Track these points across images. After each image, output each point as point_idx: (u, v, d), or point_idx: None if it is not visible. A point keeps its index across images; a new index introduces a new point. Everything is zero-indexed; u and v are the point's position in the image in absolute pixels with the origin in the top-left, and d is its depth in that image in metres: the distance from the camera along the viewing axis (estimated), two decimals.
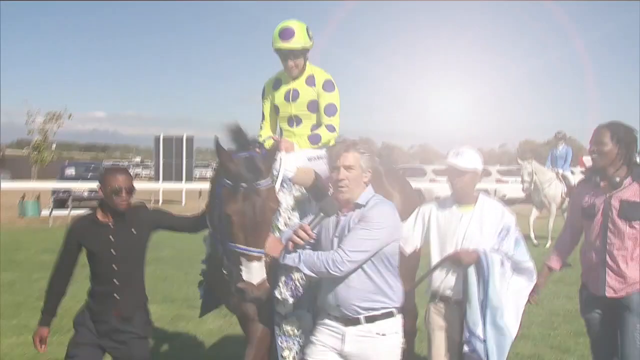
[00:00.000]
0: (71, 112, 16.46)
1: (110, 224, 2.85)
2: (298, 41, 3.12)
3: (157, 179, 20.01)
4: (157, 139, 20.07)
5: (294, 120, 3.33)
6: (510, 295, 2.75)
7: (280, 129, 3.43)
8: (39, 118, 15.57)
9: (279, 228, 2.85)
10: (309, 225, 2.46)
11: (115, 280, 2.83)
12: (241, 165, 2.40)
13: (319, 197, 2.88)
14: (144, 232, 2.91)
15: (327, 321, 2.54)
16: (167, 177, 19.20)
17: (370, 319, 2.43)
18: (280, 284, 2.78)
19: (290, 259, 2.44)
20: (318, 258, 2.39)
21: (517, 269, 2.78)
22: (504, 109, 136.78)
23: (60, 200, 15.48)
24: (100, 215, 2.87)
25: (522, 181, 10.95)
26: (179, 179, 19.13)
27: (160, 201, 17.95)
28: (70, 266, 2.89)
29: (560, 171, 10.77)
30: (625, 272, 2.77)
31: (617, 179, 2.80)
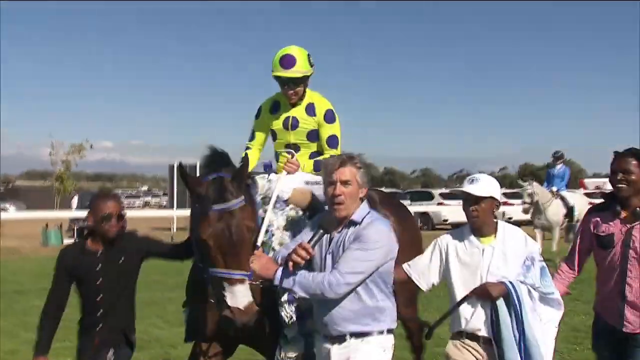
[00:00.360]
0: (91, 143, 16.96)
1: (98, 252, 2.73)
2: (299, 69, 3.00)
3: (171, 206, 20.12)
4: (172, 168, 20.06)
5: (292, 147, 3.21)
6: (543, 326, 2.59)
7: (276, 154, 3.32)
8: (61, 150, 16.12)
9: (273, 248, 2.77)
10: (309, 243, 2.33)
11: (101, 309, 2.73)
12: (209, 188, 2.31)
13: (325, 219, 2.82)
14: (133, 260, 2.80)
15: (316, 344, 2.48)
16: (181, 205, 19.10)
17: (356, 336, 2.33)
18: (285, 305, 2.68)
19: (286, 282, 2.28)
20: (313, 280, 2.26)
21: (544, 299, 2.63)
22: (504, 132, 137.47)
23: (82, 229, 15.80)
24: (89, 244, 2.76)
25: (523, 202, 11.02)
26: None
27: (175, 228, 18.25)
28: (62, 297, 2.76)
29: (555, 189, 10.85)
30: None
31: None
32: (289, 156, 3.13)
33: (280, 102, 3.22)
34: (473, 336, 2.63)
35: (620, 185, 2.72)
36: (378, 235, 2.31)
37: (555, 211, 10.66)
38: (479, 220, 2.64)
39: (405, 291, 3.27)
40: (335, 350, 2.36)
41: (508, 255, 2.61)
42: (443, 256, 2.72)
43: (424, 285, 2.74)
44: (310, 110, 3.15)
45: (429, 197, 22.51)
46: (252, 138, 3.36)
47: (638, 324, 2.66)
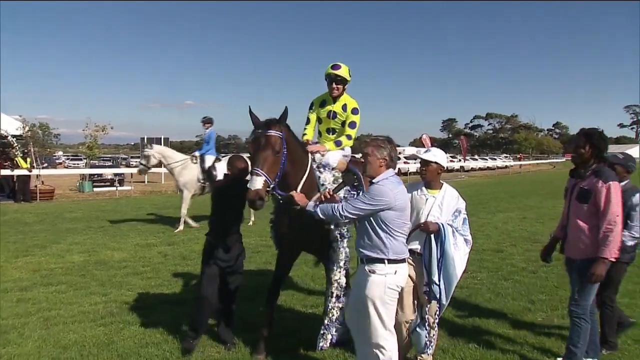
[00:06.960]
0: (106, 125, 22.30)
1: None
2: (342, 72, 4.27)
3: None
4: (143, 139, 27.01)
5: (331, 130, 4.48)
6: (458, 254, 3.29)
7: (319, 132, 4.55)
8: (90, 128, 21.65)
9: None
10: (332, 190, 3.35)
11: (233, 219, 4.20)
12: (259, 123, 3.44)
13: (347, 176, 3.93)
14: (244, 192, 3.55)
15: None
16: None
17: (367, 261, 3.05)
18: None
19: (311, 207, 3.14)
20: (329, 207, 3.06)
21: (464, 240, 3.36)
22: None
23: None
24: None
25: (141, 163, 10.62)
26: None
27: (146, 181, 25.71)
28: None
29: (197, 154, 10.62)
30: None
31: None
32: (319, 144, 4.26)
33: (326, 100, 4.44)
34: (412, 251, 3.32)
35: None
36: (379, 191, 2.97)
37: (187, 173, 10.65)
38: (427, 178, 3.39)
39: None
40: (360, 268, 3.12)
41: (444, 205, 3.35)
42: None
43: None
44: (345, 107, 4.36)
45: None
46: (307, 122, 4.55)
47: None
